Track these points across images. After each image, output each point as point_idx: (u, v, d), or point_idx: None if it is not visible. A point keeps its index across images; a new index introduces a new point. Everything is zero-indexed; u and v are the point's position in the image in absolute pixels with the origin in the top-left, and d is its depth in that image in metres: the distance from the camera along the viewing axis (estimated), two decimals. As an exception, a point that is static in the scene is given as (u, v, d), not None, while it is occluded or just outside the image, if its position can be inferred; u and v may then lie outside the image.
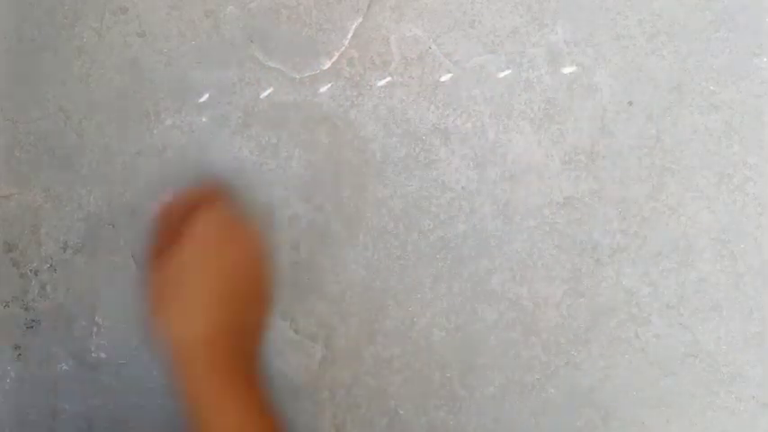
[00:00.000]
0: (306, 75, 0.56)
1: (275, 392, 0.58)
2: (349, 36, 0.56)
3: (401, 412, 0.57)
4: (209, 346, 0.44)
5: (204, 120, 0.57)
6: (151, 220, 0.52)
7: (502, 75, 0.55)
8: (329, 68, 0.56)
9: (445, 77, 0.55)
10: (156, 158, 0.58)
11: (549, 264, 0.55)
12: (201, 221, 0.47)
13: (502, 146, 0.55)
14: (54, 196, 0.58)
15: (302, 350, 0.57)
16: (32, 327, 0.59)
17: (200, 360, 0.44)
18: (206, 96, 0.57)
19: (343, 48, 0.56)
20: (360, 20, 0.56)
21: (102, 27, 0.57)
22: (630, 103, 0.54)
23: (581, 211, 0.55)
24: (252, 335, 0.48)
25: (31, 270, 0.59)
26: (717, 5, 0.53)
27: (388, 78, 0.56)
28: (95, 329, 0.58)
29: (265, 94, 0.57)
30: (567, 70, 0.54)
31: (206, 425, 0.44)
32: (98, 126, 0.58)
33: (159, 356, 0.46)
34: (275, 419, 0.45)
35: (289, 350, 0.57)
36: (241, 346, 0.46)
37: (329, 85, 0.56)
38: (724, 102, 0.53)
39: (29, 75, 0.58)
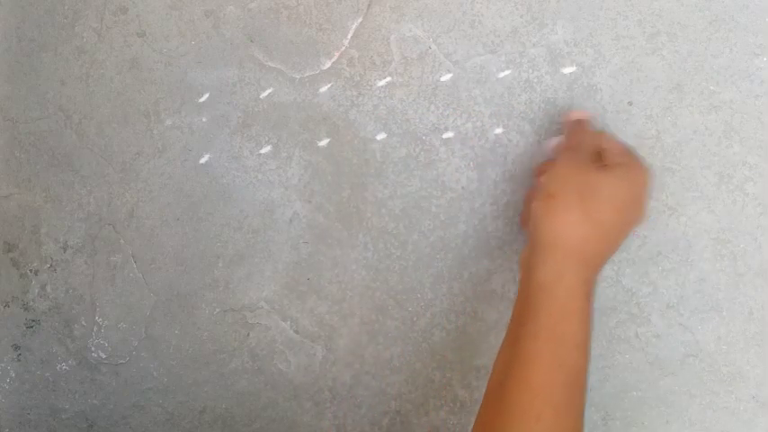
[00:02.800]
0: (306, 75, 0.56)
1: (276, 392, 0.58)
2: (349, 36, 0.56)
3: (401, 412, 0.57)
4: (595, 264, 0.47)
5: (204, 120, 0.57)
6: (569, 121, 0.53)
7: (502, 75, 0.55)
8: (329, 68, 0.56)
9: (445, 77, 0.55)
10: (156, 158, 0.58)
11: (550, 264, 0.55)
12: (633, 156, 0.50)
13: (502, 146, 0.55)
14: (54, 196, 0.58)
15: (303, 350, 0.57)
16: (32, 327, 0.59)
17: (580, 270, 0.46)
18: (206, 96, 0.57)
19: (344, 48, 0.56)
20: (360, 20, 0.56)
21: (102, 27, 0.57)
22: (630, 103, 0.54)
23: (581, 211, 0.55)
24: (605, 262, 0.50)
25: (31, 270, 0.59)
26: (717, 5, 0.53)
27: (388, 78, 0.56)
28: (95, 329, 0.58)
29: (265, 94, 0.57)
30: (566, 70, 0.54)
31: (552, 327, 0.45)
32: (98, 126, 0.58)
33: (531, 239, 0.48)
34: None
35: (289, 350, 0.57)
36: (601, 269, 0.49)
37: (329, 85, 0.56)
38: (724, 102, 0.53)
39: (29, 75, 0.58)
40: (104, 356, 0.58)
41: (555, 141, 0.53)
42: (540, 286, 0.46)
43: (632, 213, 0.48)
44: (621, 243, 0.49)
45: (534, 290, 0.46)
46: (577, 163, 0.48)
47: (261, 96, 0.57)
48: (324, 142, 0.57)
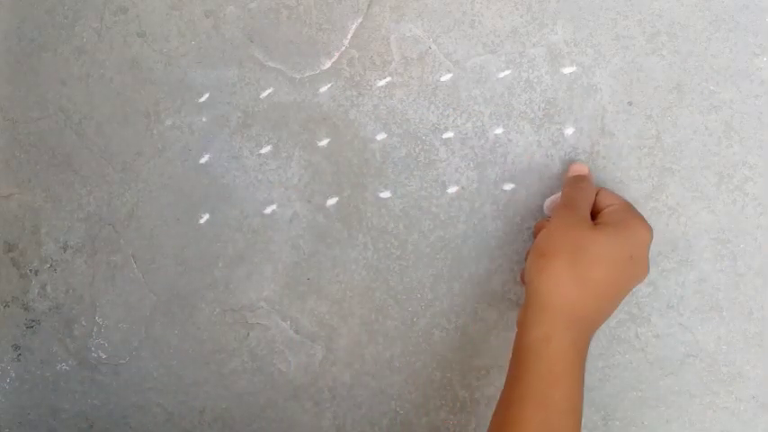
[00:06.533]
0: (306, 75, 0.56)
1: (276, 393, 0.58)
2: (349, 36, 0.56)
3: (401, 412, 0.57)
4: (587, 324, 0.46)
5: (204, 120, 0.57)
6: (570, 176, 0.53)
7: (502, 75, 0.55)
8: (329, 68, 0.56)
9: (445, 77, 0.55)
10: (156, 158, 0.58)
11: (550, 264, 0.55)
12: (631, 213, 0.49)
13: (502, 146, 0.55)
14: (54, 196, 0.58)
15: (303, 350, 0.57)
16: (32, 327, 0.59)
17: (570, 332, 0.45)
18: (206, 96, 0.57)
19: (344, 48, 0.56)
20: (360, 20, 0.56)
21: (102, 27, 0.57)
22: (630, 103, 0.54)
23: (581, 211, 0.55)
24: (600, 323, 0.49)
25: (31, 270, 0.59)
26: (717, 5, 0.53)
27: (388, 78, 0.56)
28: (95, 329, 0.58)
29: (265, 94, 0.57)
30: (567, 70, 0.54)
31: (540, 392, 0.44)
32: (98, 126, 0.58)
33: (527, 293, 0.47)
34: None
35: (289, 350, 0.57)
36: (594, 331, 0.48)
37: (329, 85, 0.56)
38: (724, 102, 0.53)
39: (29, 75, 0.58)
40: (104, 356, 0.58)
41: (553, 199, 0.53)
42: (528, 347, 0.45)
43: (628, 272, 0.47)
44: (618, 303, 0.48)
45: (524, 351, 0.46)
46: (571, 221, 0.48)
47: (261, 96, 0.57)
48: (324, 142, 0.57)
